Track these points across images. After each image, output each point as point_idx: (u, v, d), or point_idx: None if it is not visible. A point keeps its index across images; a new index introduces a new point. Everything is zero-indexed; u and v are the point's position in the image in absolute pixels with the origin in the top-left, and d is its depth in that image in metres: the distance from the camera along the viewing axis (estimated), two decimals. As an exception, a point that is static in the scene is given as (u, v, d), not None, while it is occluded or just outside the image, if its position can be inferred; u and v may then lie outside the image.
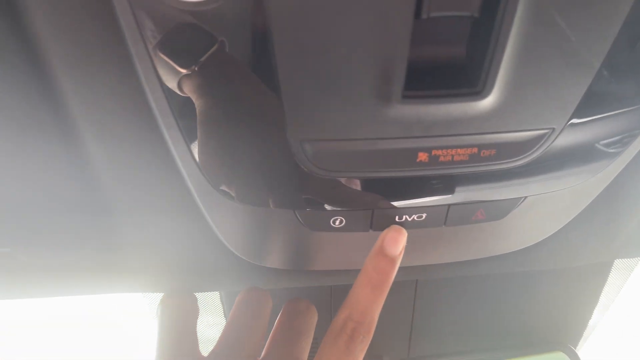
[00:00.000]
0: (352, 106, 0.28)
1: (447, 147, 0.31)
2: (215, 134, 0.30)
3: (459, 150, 0.31)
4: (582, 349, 0.74)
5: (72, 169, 0.36)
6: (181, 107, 0.29)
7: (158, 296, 0.72)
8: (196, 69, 0.26)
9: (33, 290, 0.50)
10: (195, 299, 0.47)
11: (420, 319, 0.69)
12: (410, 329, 0.70)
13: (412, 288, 0.66)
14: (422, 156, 0.31)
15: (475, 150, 0.32)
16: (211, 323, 0.75)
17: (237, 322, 0.44)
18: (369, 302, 0.37)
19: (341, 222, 0.37)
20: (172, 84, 0.27)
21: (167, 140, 0.32)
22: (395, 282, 0.61)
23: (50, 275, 0.47)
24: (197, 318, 0.46)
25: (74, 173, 0.36)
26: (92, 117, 0.31)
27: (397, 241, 0.37)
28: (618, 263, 0.74)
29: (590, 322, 0.72)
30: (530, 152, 0.33)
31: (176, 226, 0.40)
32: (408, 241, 0.42)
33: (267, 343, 0.44)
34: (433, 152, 0.31)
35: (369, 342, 0.37)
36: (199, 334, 0.47)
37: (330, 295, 0.66)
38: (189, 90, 0.27)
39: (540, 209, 0.40)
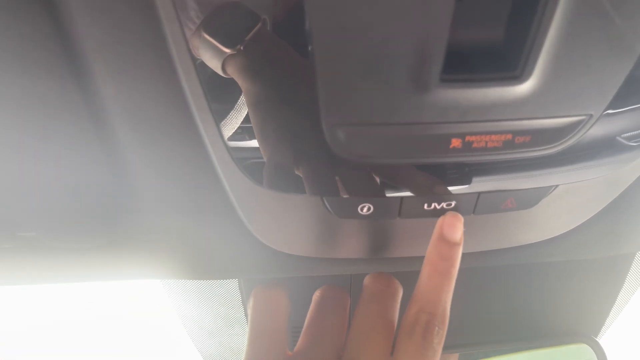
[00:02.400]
0: (388, 90, 0.27)
1: (481, 133, 0.31)
2: (272, 116, 0.30)
3: (492, 136, 0.31)
4: (602, 340, 0.74)
5: (99, 153, 0.36)
6: (213, 90, 0.29)
7: (176, 283, 0.72)
8: (242, 48, 0.26)
9: (58, 276, 0.51)
10: (287, 293, 0.46)
11: None
12: None
13: None
14: (456, 142, 0.31)
15: (509, 136, 0.31)
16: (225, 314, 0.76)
17: (319, 319, 0.43)
18: (439, 292, 0.35)
19: (369, 209, 0.37)
20: (215, 64, 0.27)
21: (198, 124, 0.31)
22: (416, 273, 0.60)
23: (72, 261, 0.48)
24: (288, 313, 0.45)
25: (101, 158, 0.36)
26: (122, 101, 0.31)
27: (455, 226, 0.36)
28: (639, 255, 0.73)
29: (611, 314, 0.71)
30: (565, 139, 0.32)
31: (201, 212, 0.40)
32: (432, 231, 0.42)
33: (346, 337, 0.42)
34: (467, 138, 0.31)
35: (444, 333, 0.36)
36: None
37: (350, 284, 0.65)
38: (233, 71, 0.27)
39: (570, 198, 0.39)
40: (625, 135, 0.35)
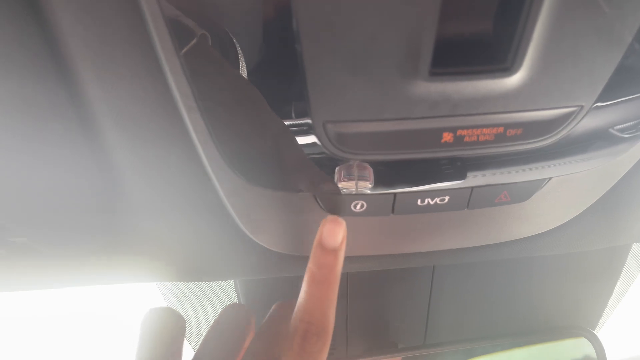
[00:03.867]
0: (378, 85, 0.27)
1: (472, 127, 0.30)
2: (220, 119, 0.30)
3: (484, 130, 0.31)
4: (600, 333, 0.74)
5: (88, 155, 0.35)
6: (201, 89, 0.28)
7: (172, 286, 0.72)
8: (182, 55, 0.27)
9: (49, 281, 0.50)
10: (182, 318, 0.42)
11: (436, 306, 0.68)
12: (426, 316, 0.69)
13: (429, 274, 0.65)
14: (447, 136, 0.31)
15: (501, 129, 0.31)
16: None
17: (213, 334, 0.41)
18: (316, 300, 0.34)
19: (362, 206, 0.36)
20: None
21: (187, 124, 0.31)
22: (412, 269, 0.60)
23: (65, 266, 0.47)
24: (182, 340, 0.41)
25: (90, 160, 0.36)
26: (109, 101, 0.31)
27: (335, 232, 0.35)
28: (635, 247, 0.73)
29: (609, 306, 0.71)
30: (557, 131, 0.32)
31: (194, 213, 0.40)
32: (428, 226, 0.42)
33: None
34: (458, 132, 0.30)
35: (326, 342, 0.34)
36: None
37: (347, 283, 0.65)
38: None
39: (564, 190, 0.39)
40: (618, 127, 0.35)
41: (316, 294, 0.34)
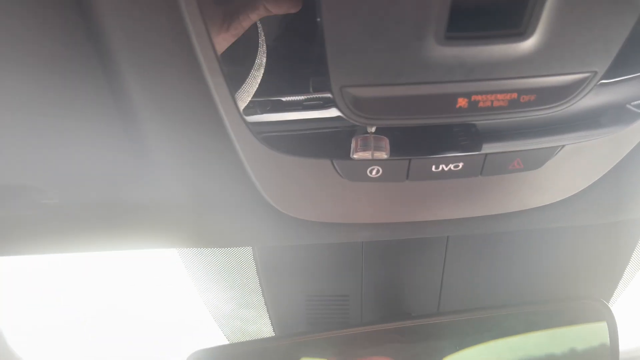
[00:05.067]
0: (395, 49, 0.28)
1: (487, 92, 0.31)
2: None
3: (498, 95, 0.31)
4: (614, 305, 0.74)
5: (119, 127, 0.37)
6: (226, 55, 0.29)
7: (193, 253, 0.74)
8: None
9: (80, 245, 0.52)
10: None
11: (450, 276, 0.69)
12: (440, 286, 0.71)
13: (443, 245, 0.66)
14: (462, 102, 0.31)
15: (514, 95, 0.31)
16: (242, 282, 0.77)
17: None
18: None
19: (378, 171, 0.37)
20: None
21: (212, 90, 0.32)
22: (426, 240, 0.61)
23: (92, 230, 0.49)
24: None
25: (119, 127, 0.37)
26: (137, 69, 0.32)
27: None
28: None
29: (623, 279, 0.71)
30: (570, 98, 0.32)
31: (217, 180, 0.41)
32: (441, 194, 0.43)
33: None
34: (473, 98, 0.31)
35: None
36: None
37: (362, 253, 0.67)
38: None
39: (577, 158, 0.40)
40: (635, 103, 0.35)
41: None
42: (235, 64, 0.32)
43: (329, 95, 0.36)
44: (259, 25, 0.34)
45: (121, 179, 0.42)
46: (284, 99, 0.37)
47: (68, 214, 0.45)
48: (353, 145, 0.37)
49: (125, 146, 0.39)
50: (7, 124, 0.37)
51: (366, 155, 0.37)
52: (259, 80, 0.35)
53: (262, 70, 0.35)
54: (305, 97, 0.37)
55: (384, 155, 0.37)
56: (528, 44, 0.28)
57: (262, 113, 0.38)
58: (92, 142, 0.39)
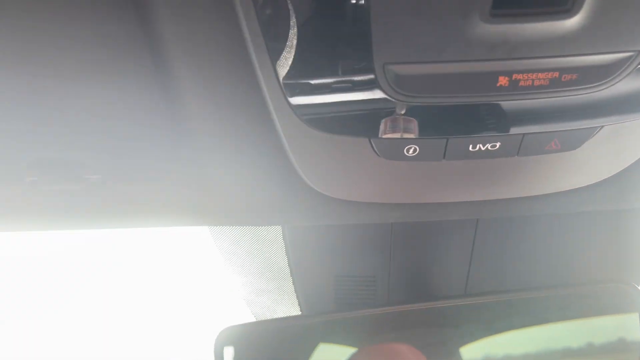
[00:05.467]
0: (439, 26, 0.28)
1: (528, 71, 0.31)
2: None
3: (539, 74, 0.31)
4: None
5: (162, 105, 0.38)
6: (270, 30, 0.30)
7: (223, 230, 0.76)
8: None
9: (115, 222, 0.54)
10: None
11: (478, 259, 0.70)
12: (468, 269, 0.71)
13: (473, 228, 0.67)
14: (503, 80, 0.31)
15: (556, 74, 0.31)
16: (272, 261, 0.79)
17: None
18: None
19: (415, 150, 0.38)
20: None
21: (255, 64, 0.33)
22: (455, 222, 0.61)
23: (129, 207, 0.51)
24: None
25: (160, 103, 0.38)
26: (181, 41, 0.33)
27: None
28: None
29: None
30: (613, 77, 0.32)
31: (254, 156, 0.42)
32: (476, 175, 0.43)
33: None
34: (514, 76, 0.31)
35: None
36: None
37: (391, 234, 0.67)
38: None
39: (615, 140, 0.39)
40: None
41: None
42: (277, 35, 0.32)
43: (364, 76, 0.36)
44: (290, 6, 0.34)
45: (160, 156, 0.44)
46: (317, 81, 0.38)
47: (108, 191, 0.47)
48: (382, 126, 0.37)
49: (166, 124, 0.40)
50: (55, 99, 0.38)
51: (395, 136, 0.37)
52: (289, 62, 0.35)
53: (293, 52, 0.35)
54: (339, 79, 0.37)
55: (412, 137, 0.37)
56: (573, 22, 0.28)
57: (291, 96, 0.39)
58: (135, 119, 0.40)
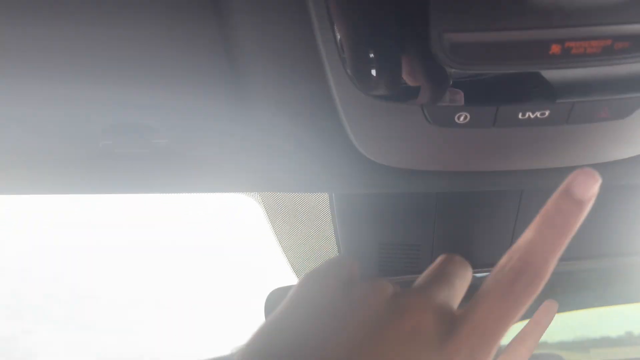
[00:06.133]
0: None
1: (580, 39, 0.32)
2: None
3: (592, 42, 0.32)
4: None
5: (223, 63, 0.41)
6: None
7: (273, 199, 0.79)
8: None
9: (179, 186, 0.58)
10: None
11: (522, 231, 0.70)
12: (511, 241, 0.72)
13: (517, 199, 0.68)
14: (555, 48, 0.32)
15: (609, 42, 0.32)
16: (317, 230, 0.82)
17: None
18: (543, 243, 0.31)
19: (465, 118, 0.39)
20: None
21: (315, 30, 0.35)
22: (500, 193, 0.62)
23: (193, 172, 0.54)
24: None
25: (225, 68, 0.41)
26: (249, 18, 0.35)
27: (588, 185, 0.31)
28: None
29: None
30: None
31: (309, 123, 0.45)
32: (524, 143, 0.44)
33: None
34: (566, 44, 0.32)
35: (538, 288, 0.31)
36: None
37: (435, 202, 0.69)
38: None
39: None
40: None
41: (547, 237, 0.31)
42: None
43: (422, 42, 0.37)
44: None
45: (223, 122, 0.47)
46: (374, 47, 0.40)
47: (174, 155, 0.50)
48: None
49: (229, 90, 0.43)
50: (128, 66, 0.41)
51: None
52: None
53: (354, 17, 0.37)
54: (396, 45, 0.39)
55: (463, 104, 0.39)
56: None
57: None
58: (200, 86, 0.43)
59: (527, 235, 0.33)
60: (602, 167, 0.48)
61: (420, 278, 0.36)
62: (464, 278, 0.37)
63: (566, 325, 0.68)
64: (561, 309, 0.68)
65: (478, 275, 0.71)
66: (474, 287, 0.71)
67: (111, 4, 0.36)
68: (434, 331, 0.30)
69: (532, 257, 0.31)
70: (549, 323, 0.48)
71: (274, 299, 0.71)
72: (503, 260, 0.33)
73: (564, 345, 0.69)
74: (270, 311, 0.70)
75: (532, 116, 0.39)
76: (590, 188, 0.31)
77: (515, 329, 0.69)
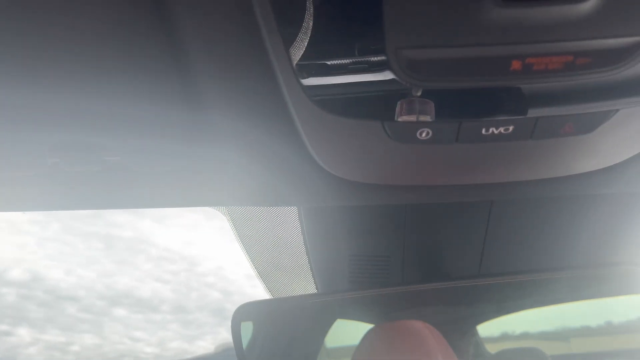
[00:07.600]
0: (452, 10, 0.28)
1: (541, 55, 0.31)
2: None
3: (553, 58, 0.31)
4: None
5: (179, 89, 0.39)
6: (283, 12, 0.30)
7: (240, 212, 0.77)
8: None
9: (133, 202, 0.56)
10: None
11: (492, 241, 0.70)
12: (481, 251, 0.71)
13: (487, 210, 0.67)
14: (516, 64, 0.31)
15: (570, 58, 0.31)
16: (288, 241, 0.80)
17: None
18: None
19: (427, 134, 0.38)
20: None
21: (268, 48, 0.33)
22: (470, 204, 0.62)
23: (145, 187, 0.52)
24: None
25: (178, 89, 0.39)
26: (198, 31, 0.33)
27: None
28: None
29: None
30: (627, 60, 0.32)
31: (268, 139, 0.43)
32: (489, 157, 0.43)
33: None
34: (527, 60, 0.31)
35: None
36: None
37: (405, 215, 0.68)
38: None
39: (630, 123, 0.39)
40: None
41: None
42: (282, 28, 0.32)
43: (379, 57, 0.36)
44: None
45: (177, 138, 0.45)
46: (333, 62, 0.38)
47: (127, 172, 0.48)
48: (398, 109, 0.38)
49: (183, 106, 0.41)
50: (75, 84, 0.39)
51: (411, 118, 0.37)
52: (305, 44, 0.36)
53: (309, 34, 0.35)
54: (354, 60, 0.37)
55: (428, 119, 0.37)
56: (587, 5, 0.28)
57: (308, 77, 0.39)
58: (152, 103, 0.41)
59: None
60: (569, 179, 0.48)
61: None
62: None
63: (547, 315, 0.69)
64: (537, 305, 0.68)
65: (451, 285, 0.70)
66: (446, 296, 0.70)
67: (56, 18, 0.34)
68: None
69: None
70: None
71: (243, 313, 0.69)
72: None
73: (545, 335, 0.70)
74: (238, 325, 0.68)
75: (495, 132, 0.38)
76: None
77: (519, 323, 0.68)
